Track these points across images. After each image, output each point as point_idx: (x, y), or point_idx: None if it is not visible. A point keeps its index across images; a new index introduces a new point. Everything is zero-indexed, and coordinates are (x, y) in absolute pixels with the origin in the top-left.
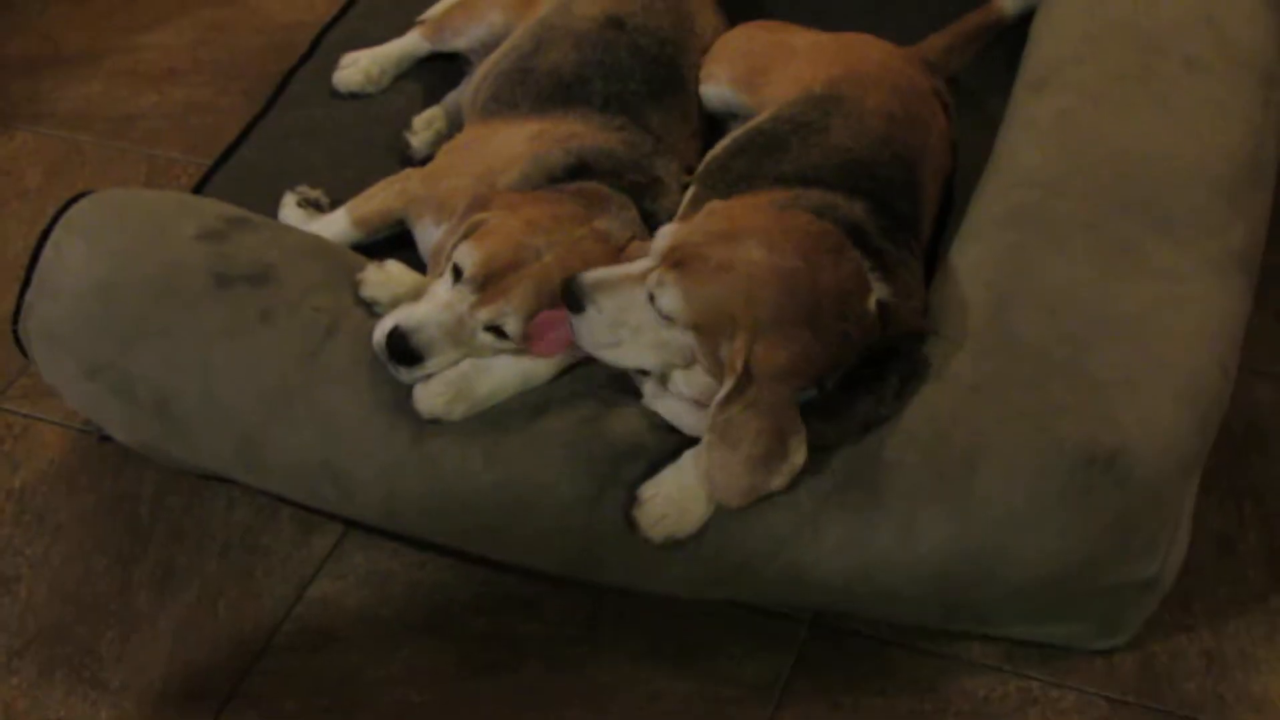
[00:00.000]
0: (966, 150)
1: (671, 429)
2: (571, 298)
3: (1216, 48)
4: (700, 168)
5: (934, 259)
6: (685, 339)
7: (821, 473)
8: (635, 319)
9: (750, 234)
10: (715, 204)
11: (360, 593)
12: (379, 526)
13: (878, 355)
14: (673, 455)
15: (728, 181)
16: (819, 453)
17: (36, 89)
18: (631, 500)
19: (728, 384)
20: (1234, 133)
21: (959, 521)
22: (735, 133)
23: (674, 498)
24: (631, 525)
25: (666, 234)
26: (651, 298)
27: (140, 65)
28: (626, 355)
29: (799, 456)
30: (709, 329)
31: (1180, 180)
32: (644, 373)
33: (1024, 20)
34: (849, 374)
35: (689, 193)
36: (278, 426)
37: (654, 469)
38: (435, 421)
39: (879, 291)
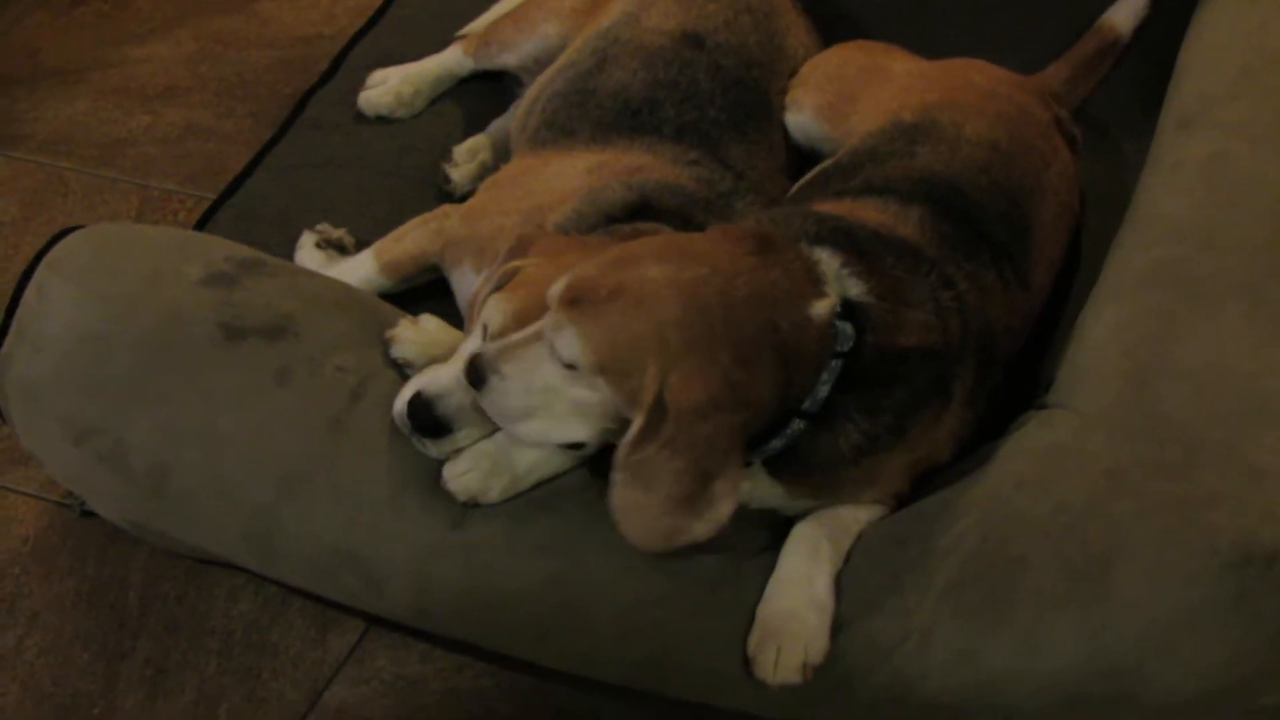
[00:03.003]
0: (1099, 197)
1: (756, 517)
2: (472, 371)
3: None
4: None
5: (1059, 317)
6: (597, 391)
7: (932, 570)
8: (542, 379)
9: (647, 253)
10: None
11: (384, 701)
12: (408, 624)
13: (872, 377)
14: (758, 551)
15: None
16: (927, 549)
17: (11, 109)
18: (743, 658)
19: (637, 421)
20: None
21: (1093, 632)
22: (819, 167)
23: (778, 631)
24: (761, 685)
25: (559, 279)
26: (552, 350)
27: (131, 82)
28: (545, 427)
29: (725, 506)
30: (617, 370)
31: None
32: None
33: (1151, 46)
34: (835, 400)
35: None
36: (293, 506)
37: (735, 564)
38: (473, 503)
39: (851, 289)
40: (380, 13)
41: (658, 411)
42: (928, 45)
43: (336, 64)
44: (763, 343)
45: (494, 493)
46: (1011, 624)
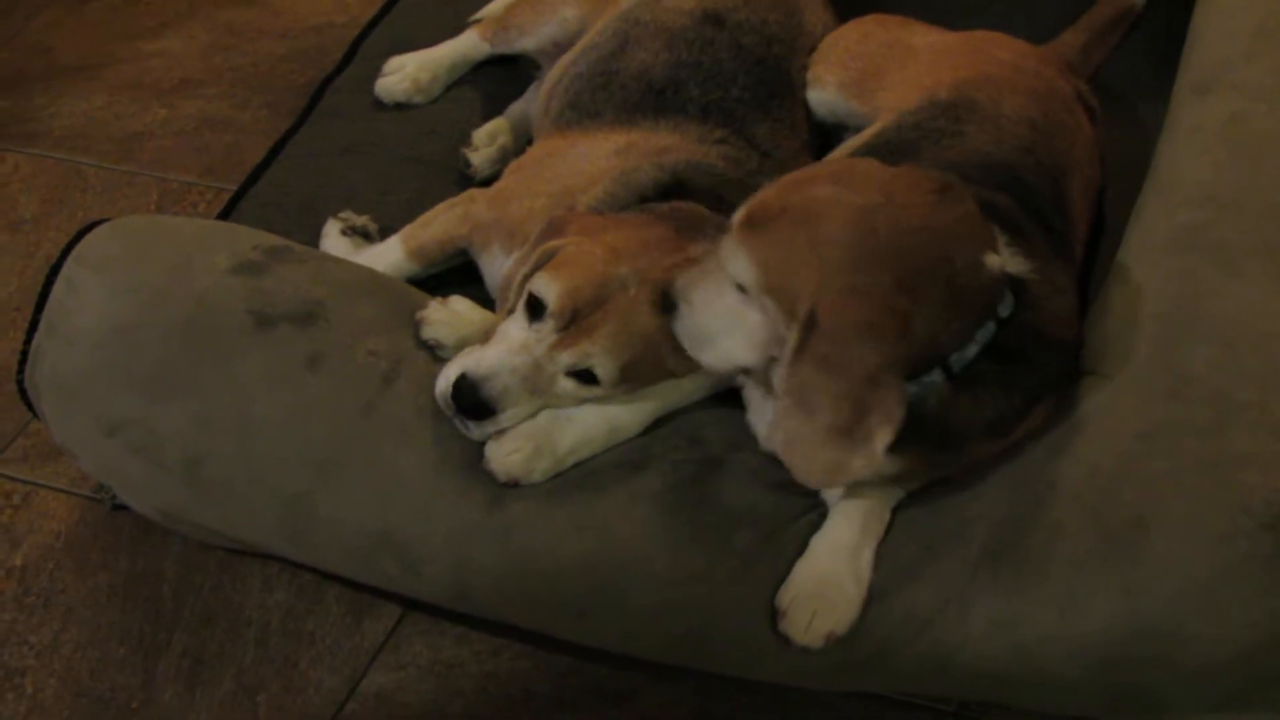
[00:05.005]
0: (1117, 163)
1: (792, 486)
2: (665, 299)
3: None
4: None
5: (1087, 289)
6: (766, 313)
7: (967, 538)
8: (722, 306)
9: (825, 175)
10: None
11: (422, 686)
12: (446, 607)
13: (1010, 351)
14: (793, 519)
15: None
16: (961, 515)
17: (28, 105)
18: (772, 613)
19: (793, 338)
20: None
21: (1130, 594)
22: (853, 142)
23: (816, 594)
24: (785, 641)
25: (746, 202)
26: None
27: (146, 76)
28: (722, 351)
29: (880, 440)
30: (780, 288)
31: None
32: (747, 372)
33: (1165, 10)
34: (976, 368)
35: None
36: (329, 491)
37: (772, 536)
38: (514, 484)
39: (1016, 266)
40: (394, 0)
41: (811, 327)
42: (940, 15)
43: (352, 52)
44: (934, 275)
45: (537, 474)
46: (1048, 589)
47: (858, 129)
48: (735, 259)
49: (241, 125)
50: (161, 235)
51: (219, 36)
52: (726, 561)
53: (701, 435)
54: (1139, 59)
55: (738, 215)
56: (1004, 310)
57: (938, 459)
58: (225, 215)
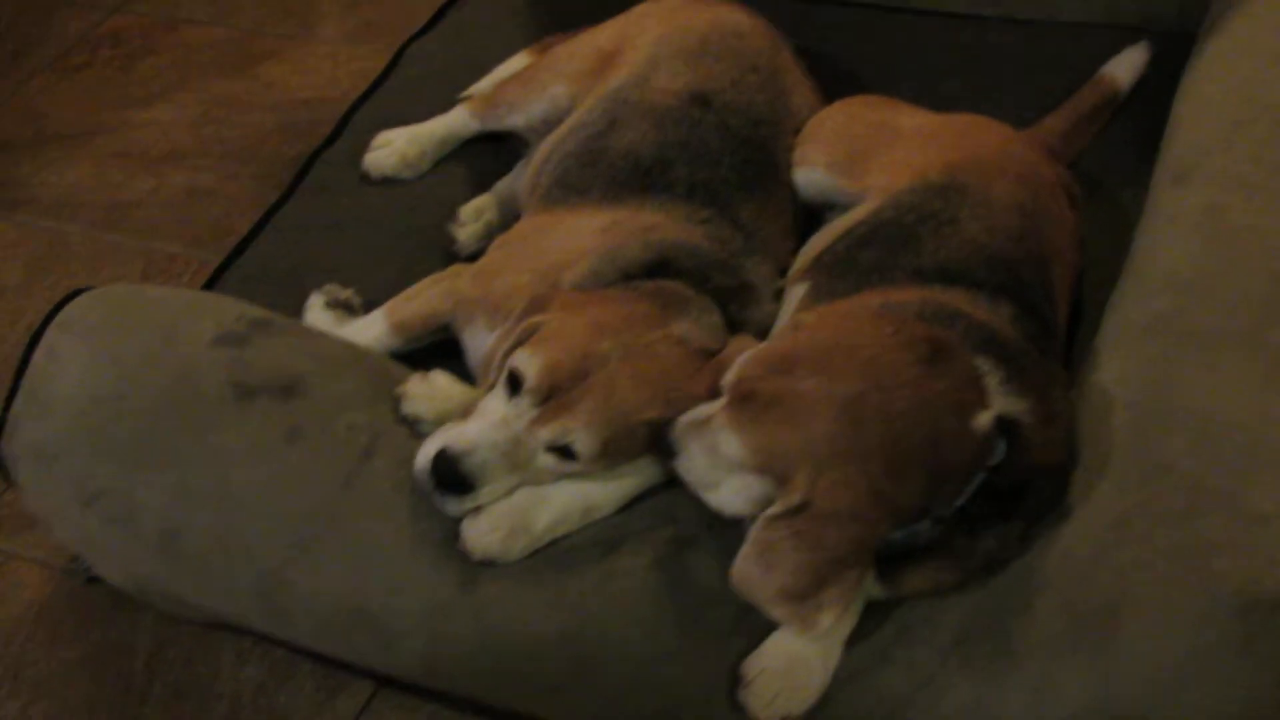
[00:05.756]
0: (1096, 249)
1: None
2: (665, 444)
3: None
4: (810, 257)
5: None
6: (760, 485)
7: (940, 623)
8: (716, 460)
9: (808, 360)
10: (801, 316)
11: None
12: (419, 683)
13: (1004, 489)
14: None
15: (857, 273)
16: (935, 600)
17: (15, 172)
18: (735, 680)
19: (780, 503)
20: None
21: (1102, 680)
22: (845, 221)
23: (785, 672)
24: (741, 708)
25: (736, 362)
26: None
27: (135, 146)
28: (719, 499)
29: (826, 617)
30: (771, 472)
31: None
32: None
33: (1147, 98)
34: (970, 508)
35: (804, 287)
36: (305, 565)
37: (745, 614)
38: (489, 563)
39: (1010, 406)
40: (384, 75)
41: (800, 505)
42: (926, 98)
43: (341, 126)
44: (919, 458)
45: (513, 554)
46: (1020, 674)
47: (845, 208)
48: (726, 439)
49: (229, 196)
50: (145, 305)
51: (209, 108)
52: (702, 641)
53: (676, 513)
54: (1120, 146)
55: (729, 382)
56: (995, 459)
57: (934, 579)
58: (210, 286)
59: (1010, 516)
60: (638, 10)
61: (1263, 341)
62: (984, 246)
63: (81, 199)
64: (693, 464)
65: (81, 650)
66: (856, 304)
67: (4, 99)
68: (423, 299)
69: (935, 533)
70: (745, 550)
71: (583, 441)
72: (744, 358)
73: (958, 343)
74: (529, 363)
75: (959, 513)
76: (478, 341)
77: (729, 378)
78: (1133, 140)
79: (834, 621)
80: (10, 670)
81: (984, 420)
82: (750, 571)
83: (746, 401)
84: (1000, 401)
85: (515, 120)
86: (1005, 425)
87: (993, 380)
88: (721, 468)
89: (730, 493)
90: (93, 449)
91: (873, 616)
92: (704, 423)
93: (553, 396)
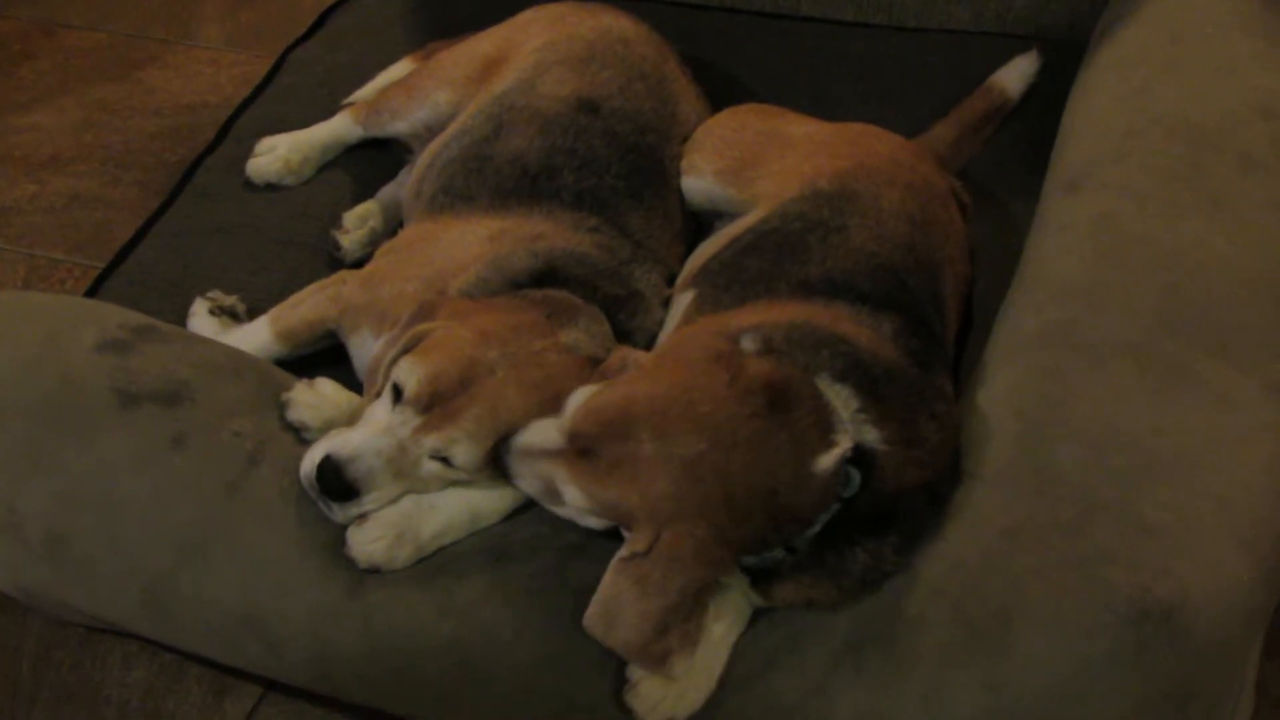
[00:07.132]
0: (987, 259)
1: None
2: (500, 462)
3: (1275, 144)
4: (698, 265)
5: (955, 385)
6: (601, 523)
7: (831, 631)
8: (567, 502)
9: (646, 421)
10: (638, 357)
11: None
12: (307, 688)
13: (870, 514)
14: None
15: (742, 282)
16: (821, 611)
17: None
18: (621, 682)
19: (626, 547)
20: None
21: (994, 688)
22: (733, 229)
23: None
24: (626, 711)
25: (576, 401)
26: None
27: (15, 151)
28: (570, 515)
29: (679, 663)
30: (618, 520)
31: (1237, 294)
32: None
33: (1038, 108)
34: (831, 533)
35: (689, 295)
36: (192, 570)
37: None
38: (375, 571)
39: (865, 435)
40: (266, 81)
41: (646, 551)
42: (815, 106)
43: (224, 131)
44: (759, 505)
45: (399, 561)
46: (912, 682)
47: (733, 216)
48: (568, 490)
49: (111, 202)
50: (27, 311)
51: (91, 113)
52: (588, 644)
53: (562, 522)
54: (1011, 156)
55: (567, 425)
56: (848, 492)
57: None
58: (93, 293)
59: (883, 534)
60: (523, 17)
61: (1154, 351)
62: (873, 255)
63: None
64: (530, 488)
65: None
66: (697, 345)
67: None
68: (308, 306)
69: (797, 556)
70: (595, 598)
71: (466, 450)
72: (581, 404)
73: (801, 382)
74: (411, 372)
75: (820, 537)
76: (364, 349)
77: (566, 423)
78: (1023, 149)
79: (688, 663)
80: None
81: (827, 461)
82: (597, 624)
83: (586, 457)
84: (857, 431)
85: (399, 126)
86: (860, 455)
87: (847, 410)
88: (562, 505)
89: (574, 516)
90: None
91: (763, 622)
92: (537, 457)
93: (436, 405)
